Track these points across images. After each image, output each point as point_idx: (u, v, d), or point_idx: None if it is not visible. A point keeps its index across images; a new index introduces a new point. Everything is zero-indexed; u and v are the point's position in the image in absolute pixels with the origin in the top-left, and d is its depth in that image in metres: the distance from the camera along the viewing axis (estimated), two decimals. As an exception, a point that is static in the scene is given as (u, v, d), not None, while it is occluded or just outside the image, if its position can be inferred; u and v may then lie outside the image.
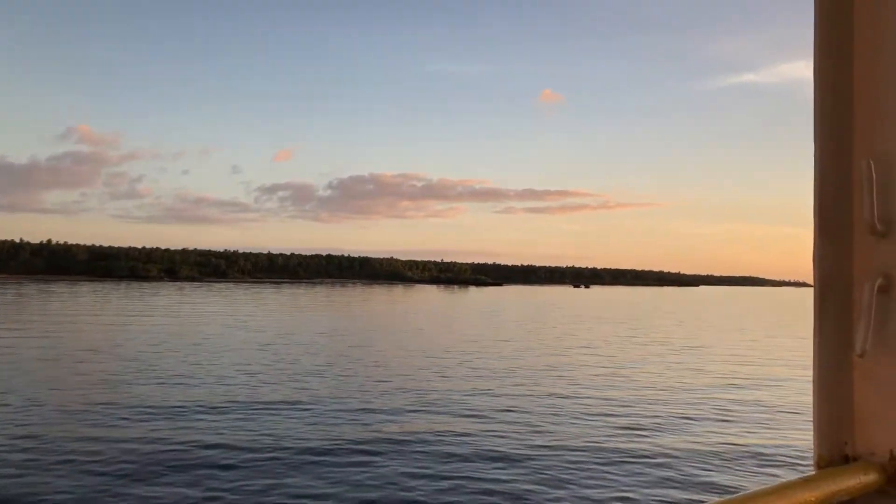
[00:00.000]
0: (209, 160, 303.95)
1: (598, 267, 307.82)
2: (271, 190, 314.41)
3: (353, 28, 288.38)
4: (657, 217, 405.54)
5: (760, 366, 26.00)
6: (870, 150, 1.07)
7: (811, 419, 1.15)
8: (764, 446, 13.21)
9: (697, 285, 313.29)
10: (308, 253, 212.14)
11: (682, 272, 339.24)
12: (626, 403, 17.16)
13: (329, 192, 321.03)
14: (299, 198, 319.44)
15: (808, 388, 1.16)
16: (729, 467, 11.68)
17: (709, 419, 15.70)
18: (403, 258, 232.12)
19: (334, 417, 14.61)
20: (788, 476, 1.05)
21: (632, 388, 19.68)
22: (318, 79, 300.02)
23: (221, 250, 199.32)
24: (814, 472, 1.07)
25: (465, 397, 17.36)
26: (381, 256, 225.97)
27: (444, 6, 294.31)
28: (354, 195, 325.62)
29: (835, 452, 1.11)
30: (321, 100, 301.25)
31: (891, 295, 1.06)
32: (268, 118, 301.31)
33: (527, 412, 15.64)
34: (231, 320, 44.19)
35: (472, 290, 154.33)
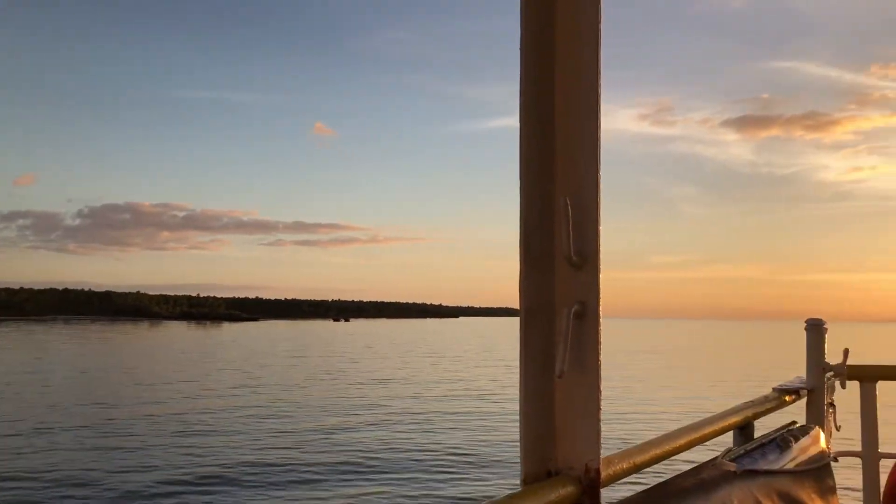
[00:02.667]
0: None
1: (364, 300, 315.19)
2: (9, 218, 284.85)
3: (108, 44, 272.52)
4: (423, 251, 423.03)
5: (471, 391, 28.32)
6: (567, 190, 1.19)
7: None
8: (482, 466, 14.76)
9: (458, 316, 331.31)
10: (43, 287, 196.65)
11: (443, 304, 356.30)
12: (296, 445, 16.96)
13: (79, 220, 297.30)
14: (42, 227, 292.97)
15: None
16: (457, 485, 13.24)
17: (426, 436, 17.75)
18: (157, 292, 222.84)
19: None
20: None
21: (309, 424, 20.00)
22: (70, 97, 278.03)
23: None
24: (520, 489, 1.16)
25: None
26: (131, 290, 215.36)
27: (210, 30, 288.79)
28: (108, 225, 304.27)
29: (539, 468, 1.20)
30: (70, 123, 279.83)
31: (585, 320, 1.18)
32: (7, 140, 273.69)
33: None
34: None
35: (226, 325, 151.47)
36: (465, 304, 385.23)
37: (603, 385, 1.20)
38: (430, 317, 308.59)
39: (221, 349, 61.66)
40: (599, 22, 1.21)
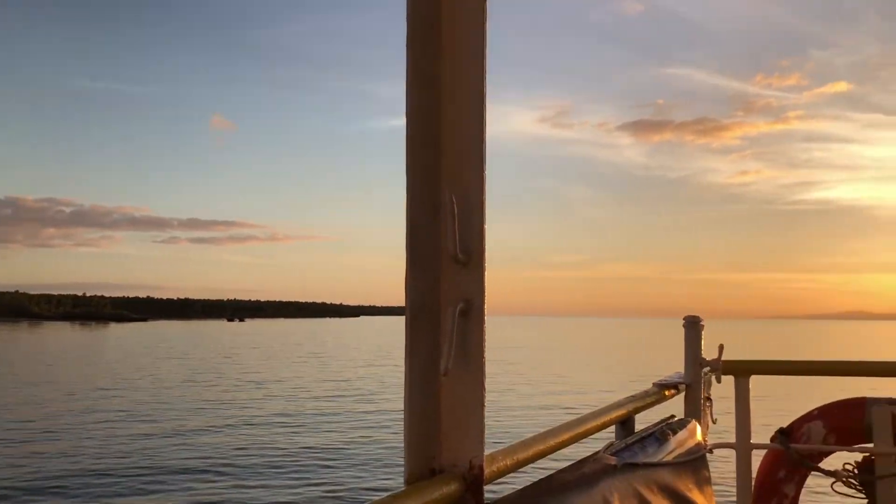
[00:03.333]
0: None
1: (262, 300, 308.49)
2: None
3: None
4: (324, 250, 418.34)
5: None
6: (453, 188, 1.19)
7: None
8: (358, 467, 14.31)
9: (359, 315, 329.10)
10: None
11: (344, 303, 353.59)
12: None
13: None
14: None
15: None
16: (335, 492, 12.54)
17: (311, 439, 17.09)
18: (40, 291, 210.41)
19: None
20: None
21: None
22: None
23: None
24: (403, 488, 1.14)
25: None
26: (8, 290, 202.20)
27: (103, 18, 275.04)
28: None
29: (423, 467, 1.19)
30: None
31: (470, 318, 1.18)
32: None
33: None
34: None
35: (113, 326, 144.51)
36: (366, 304, 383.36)
37: (488, 382, 1.20)
38: (331, 316, 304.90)
39: (99, 350, 58.71)
40: (485, 20, 1.21)
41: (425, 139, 1.21)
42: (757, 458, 3.32)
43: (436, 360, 1.19)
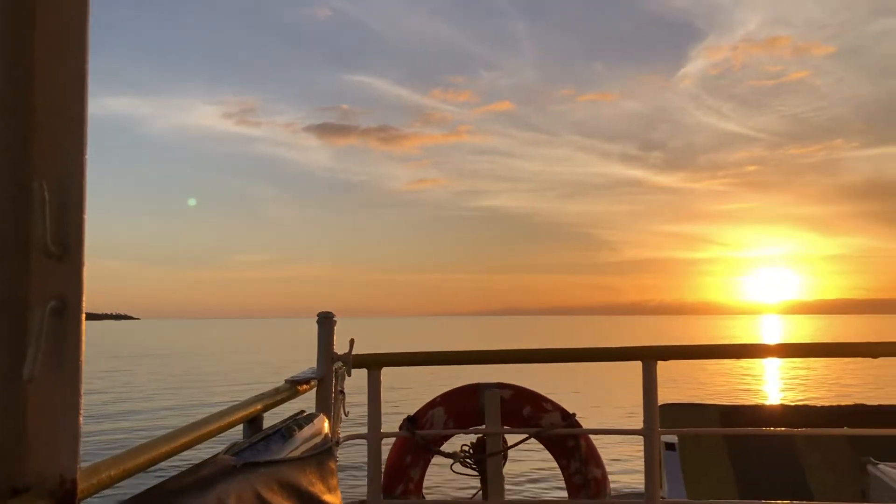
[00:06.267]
0: None
1: None
2: None
3: None
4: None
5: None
6: (44, 174, 1.07)
7: None
8: None
9: None
10: None
11: None
12: None
13: None
14: None
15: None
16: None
17: None
18: None
19: None
20: None
21: None
22: None
23: None
24: None
25: None
26: None
27: None
28: None
29: (4, 485, 1.06)
30: None
31: (65, 317, 1.07)
32: None
33: None
34: None
35: None
36: None
37: (92, 388, 1.12)
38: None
39: None
40: (87, 4, 1.14)
41: (13, 119, 1.10)
42: (388, 445, 3.55)
43: (19, 365, 1.06)
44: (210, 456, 1.83)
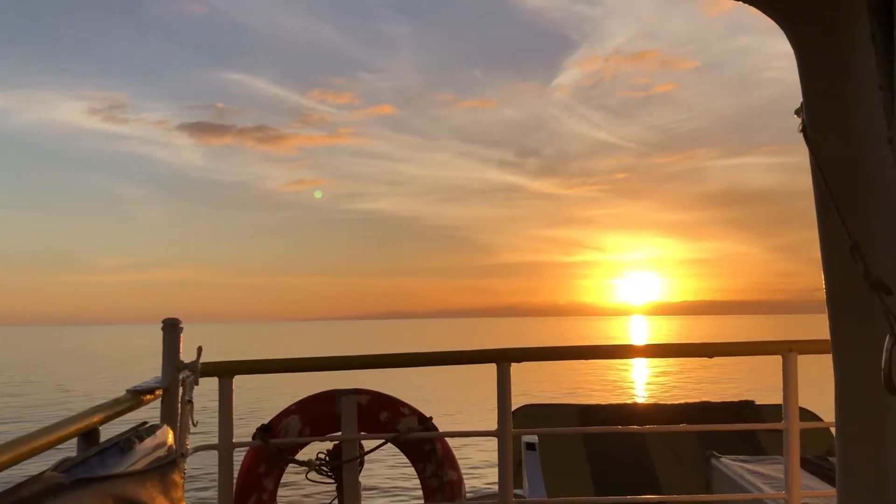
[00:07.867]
0: None
1: None
2: None
3: None
4: None
5: None
6: None
7: None
8: None
9: None
10: None
11: None
12: None
13: None
14: None
15: None
16: None
17: None
18: None
19: None
20: None
21: None
22: None
23: None
24: None
25: None
26: None
27: None
28: None
29: None
30: None
31: None
32: None
33: None
34: None
35: None
36: None
37: None
38: None
39: None
40: None
41: None
42: (241, 456, 3.52)
43: None
44: (36, 474, 1.78)
